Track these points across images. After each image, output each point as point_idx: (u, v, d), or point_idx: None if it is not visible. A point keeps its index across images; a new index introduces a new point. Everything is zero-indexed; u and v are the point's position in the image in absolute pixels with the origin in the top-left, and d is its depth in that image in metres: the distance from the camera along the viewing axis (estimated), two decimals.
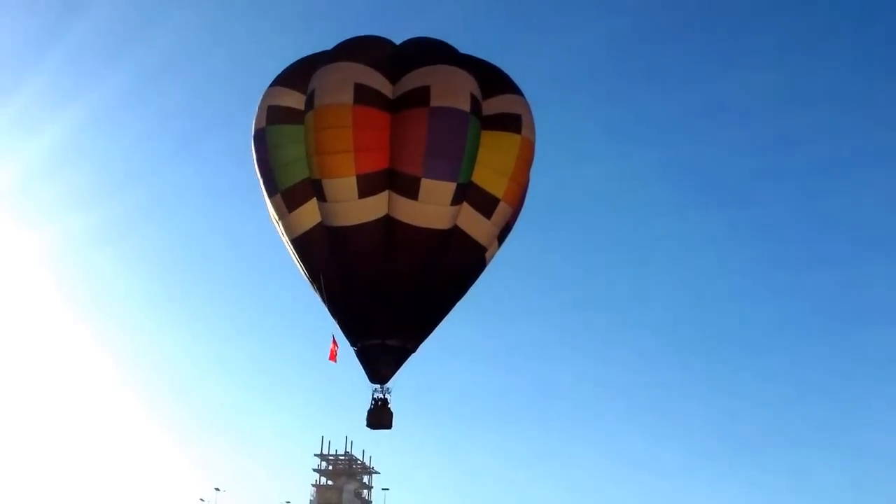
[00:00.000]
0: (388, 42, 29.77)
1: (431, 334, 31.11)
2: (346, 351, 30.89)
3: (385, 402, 30.37)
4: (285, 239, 30.32)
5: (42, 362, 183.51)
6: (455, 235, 28.92)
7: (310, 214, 29.10)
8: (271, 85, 29.74)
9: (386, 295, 29.44)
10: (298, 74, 29.13)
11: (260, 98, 29.95)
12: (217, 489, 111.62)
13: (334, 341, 30.80)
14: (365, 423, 30.61)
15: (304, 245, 29.86)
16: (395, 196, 28.17)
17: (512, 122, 29.03)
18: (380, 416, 30.32)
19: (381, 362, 30.22)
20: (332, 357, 30.96)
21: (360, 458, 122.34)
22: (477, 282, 31.31)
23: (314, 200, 28.81)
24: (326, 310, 30.77)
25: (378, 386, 30.47)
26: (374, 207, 28.31)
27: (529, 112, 29.64)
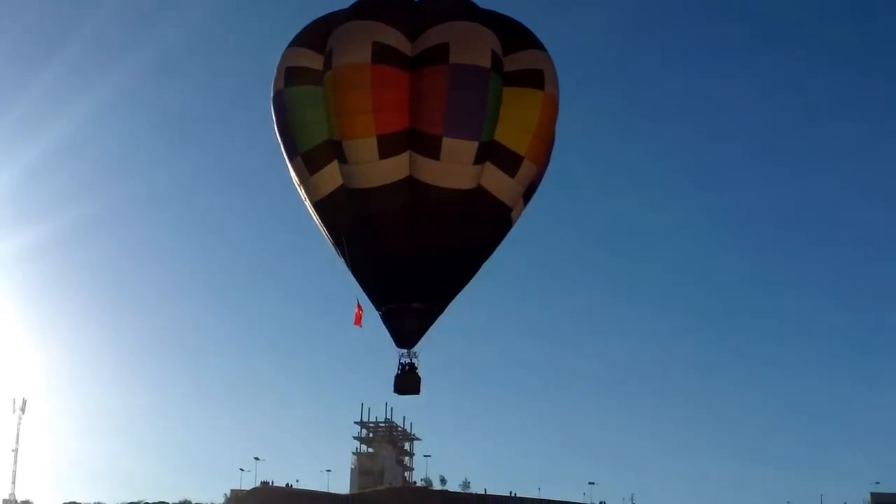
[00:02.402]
0: None
1: (458, 296, 30.86)
2: (374, 315, 30.70)
3: (413, 366, 30.10)
4: (307, 203, 30.16)
5: (92, 336, 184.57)
6: (479, 195, 28.62)
7: (331, 177, 28.90)
8: (289, 46, 29.45)
9: (409, 257, 29.24)
10: (316, 34, 28.82)
11: (278, 59, 29.61)
12: (257, 458, 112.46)
13: (359, 305, 30.71)
14: (393, 388, 30.47)
15: (327, 208, 29.72)
16: (417, 156, 27.92)
17: (535, 78, 28.59)
18: (407, 382, 30.15)
19: (406, 326, 30.00)
20: (357, 321, 30.86)
21: (400, 424, 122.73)
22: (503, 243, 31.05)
23: (335, 163, 28.58)
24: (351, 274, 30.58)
25: (405, 351, 30.15)
26: (396, 168, 28.07)
27: (553, 67, 29.19)
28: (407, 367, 30.08)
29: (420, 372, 30.21)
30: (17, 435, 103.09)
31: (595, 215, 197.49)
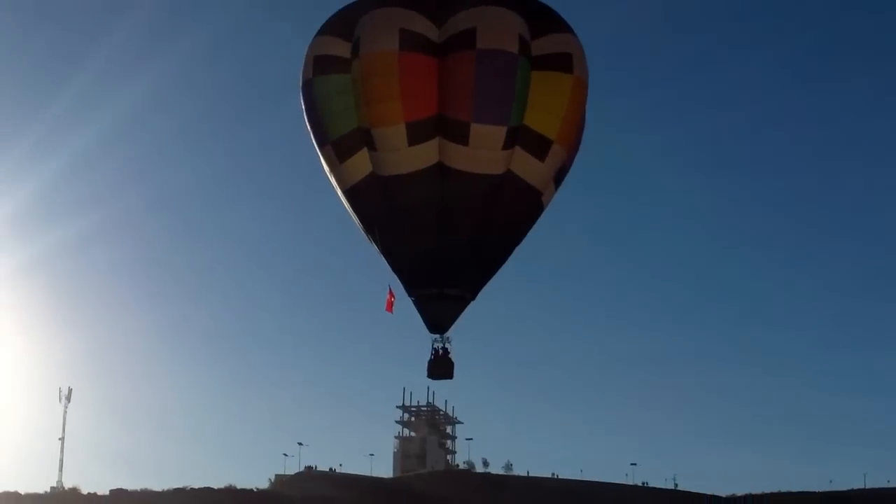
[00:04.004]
0: None
1: (490, 282, 30.85)
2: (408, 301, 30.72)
3: (446, 352, 30.09)
4: (338, 190, 30.19)
5: (136, 327, 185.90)
6: (509, 180, 28.50)
7: (361, 164, 28.92)
8: (317, 34, 29.44)
9: (441, 243, 29.24)
10: (344, 22, 28.77)
11: (307, 48, 29.65)
12: (300, 444, 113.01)
13: (391, 292, 30.75)
14: (426, 373, 30.51)
15: (357, 196, 29.76)
16: (446, 142, 27.86)
17: (563, 62, 28.40)
18: (440, 367, 30.17)
19: (438, 312, 29.98)
20: (389, 308, 30.92)
21: (442, 408, 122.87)
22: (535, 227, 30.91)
23: (364, 150, 28.60)
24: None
25: (438, 336, 30.12)
26: (425, 155, 28.05)
27: (581, 50, 29.00)
28: (440, 353, 30.06)
29: (453, 357, 30.18)
30: (64, 424, 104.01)
31: (630, 196, 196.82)
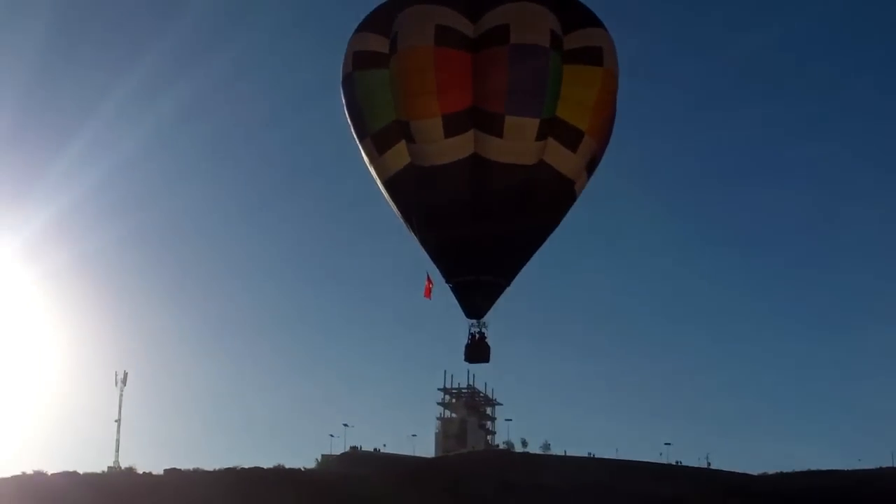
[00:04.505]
0: None
1: (525, 268, 30.92)
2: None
3: (482, 336, 30.18)
4: (378, 181, 30.32)
5: (187, 312, 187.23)
6: (542, 170, 28.61)
7: (399, 156, 29.10)
8: (356, 31, 29.70)
9: (476, 232, 29.30)
10: (382, 18, 29.01)
11: (347, 44, 29.89)
12: (346, 425, 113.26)
13: (428, 279, 30.86)
14: (463, 357, 30.61)
15: (396, 186, 29.95)
16: (481, 134, 28.01)
17: (593, 55, 28.56)
18: (477, 351, 30.30)
19: (475, 298, 30.10)
20: (427, 294, 31.01)
21: (482, 390, 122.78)
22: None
23: (403, 142, 28.80)
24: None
25: (475, 321, 30.22)
26: (461, 146, 28.20)
27: (611, 44, 29.15)
28: (477, 337, 30.15)
29: (489, 341, 30.28)
30: (120, 406, 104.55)
31: (660, 182, 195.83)
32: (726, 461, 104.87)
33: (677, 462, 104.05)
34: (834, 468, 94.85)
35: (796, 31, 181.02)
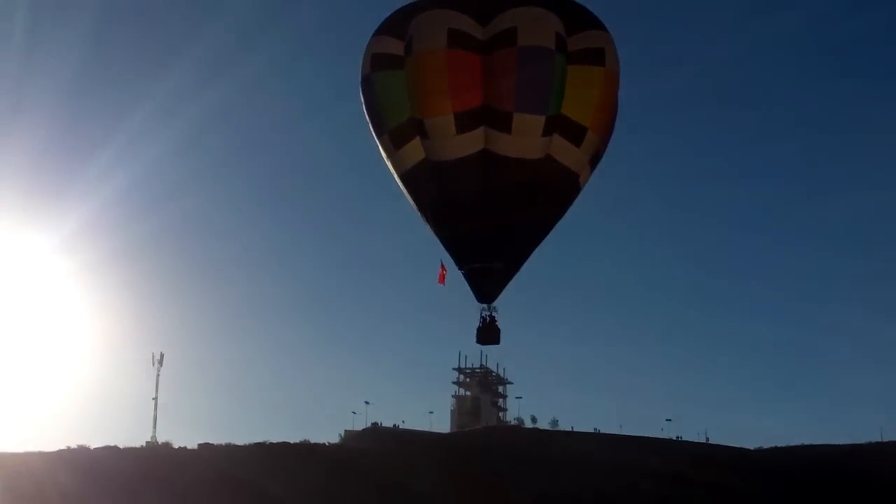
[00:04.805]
0: None
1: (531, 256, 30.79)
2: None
3: (493, 319, 30.09)
4: (395, 175, 30.27)
5: (218, 296, 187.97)
6: (548, 164, 28.50)
7: (414, 151, 29.05)
8: (374, 34, 29.61)
9: (487, 222, 29.21)
10: (398, 23, 28.91)
11: (365, 46, 29.80)
12: (367, 402, 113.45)
13: (442, 266, 30.80)
14: (475, 339, 30.54)
15: (412, 179, 29.88)
16: (491, 131, 27.91)
17: (596, 56, 28.47)
18: (487, 334, 30.23)
19: (485, 284, 30.04)
20: (441, 280, 30.95)
21: (494, 370, 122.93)
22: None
23: (417, 138, 28.74)
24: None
25: (485, 305, 30.12)
26: (472, 142, 28.11)
27: (612, 45, 29.03)
28: (487, 320, 30.06)
29: (499, 324, 30.19)
30: (157, 385, 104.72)
31: (659, 172, 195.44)
32: (724, 436, 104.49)
33: (677, 437, 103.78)
34: (825, 442, 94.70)
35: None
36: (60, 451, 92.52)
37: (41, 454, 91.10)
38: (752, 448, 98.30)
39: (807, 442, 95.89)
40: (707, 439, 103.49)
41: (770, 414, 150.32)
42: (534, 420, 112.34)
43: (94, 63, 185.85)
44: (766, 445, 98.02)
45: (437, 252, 30.80)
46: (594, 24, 28.95)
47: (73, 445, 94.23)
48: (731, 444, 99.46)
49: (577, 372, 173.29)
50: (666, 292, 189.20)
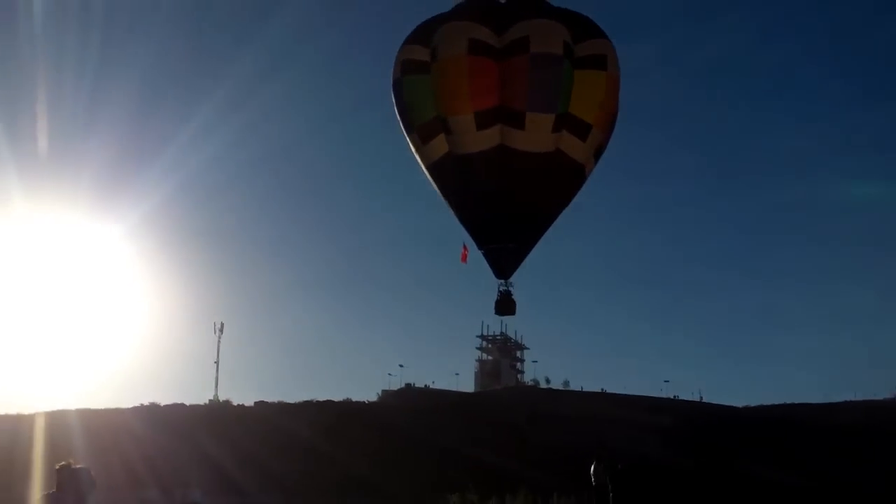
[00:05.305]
0: (495, 1, 29.35)
1: (543, 236, 30.78)
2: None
3: (509, 293, 30.12)
4: (423, 167, 30.36)
5: (271, 270, 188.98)
6: (557, 157, 28.50)
7: (439, 146, 29.06)
8: (403, 43, 29.66)
9: (503, 207, 29.31)
10: (424, 33, 29.03)
11: (396, 53, 29.91)
12: (400, 365, 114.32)
13: (465, 247, 30.88)
14: (494, 311, 30.64)
15: (437, 170, 29.87)
16: (506, 128, 27.93)
17: (599, 62, 28.45)
18: (504, 306, 30.20)
19: (502, 262, 30.03)
20: (463, 259, 31.08)
21: (513, 337, 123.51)
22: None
23: (442, 134, 28.79)
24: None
25: (503, 281, 30.12)
26: (490, 138, 28.12)
27: (614, 51, 29.04)
28: (504, 294, 30.12)
29: (515, 297, 30.26)
30: (218, 351, 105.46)
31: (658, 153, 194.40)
32: (715, 396, 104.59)
33: (674, 396, 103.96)
34: (806, 401, 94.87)
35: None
36: (135, 408, 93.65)
37: (118, 410, 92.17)
38: (740, 406, 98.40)
39: (789, 401, 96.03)
40: (701, 398, 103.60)
41: (758, 375, 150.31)
42: (548, 381, 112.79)
43: (164, 62, 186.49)
44: (753, 404, 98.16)
45: (461, 234, 30.92)
46: (598, 33, 28.96)
47: (146, 402, 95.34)
48: (723, 403, 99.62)
49: (586, 338, 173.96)
50: (666, 266, 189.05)
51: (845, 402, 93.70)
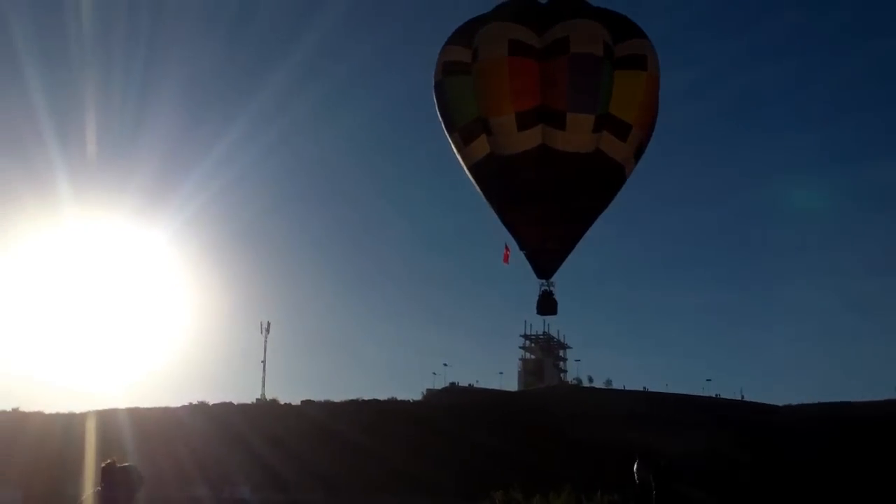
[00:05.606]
0: (536, 2, 29.08)
1: (584, 236, 30.59)
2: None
3: (550, 293, 29.97)
4: (465, 168, 30.23)
5: (318, 272, 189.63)
6: (597, 157, 28.23)
7: (481, 146, 28.87)
8: (445, 45, 29.52)
9: (544, 208, 29.11)
10: (465, 34, 28.85)
11: (437, 55, 29.74)
12: (445, 364, 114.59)
13: (507, 248, 30.74)
14: (536, 311, 30.51)
15: (479, 171, 29.69)
16: (547, 128, 27.72)
17: (639, 62, 28.14)
18: (546, 305, 30.02)
19: (543, 262, 29.85)
20: (505, 260, 30.94)
21: (555, 336, 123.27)
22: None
23: (483, 135, 28.60)
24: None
25: (544, 281, 29.92)
26: (531, 138, 27.92)
27: (653, 51, 28.72)
28: (546, 293, 29.97)
29: (557, 297, 30.11)
30: (265, 350, 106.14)
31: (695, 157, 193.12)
32: (757, 394, 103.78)
33: (716, 395, 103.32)
34: (847, 400, 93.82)
35: None
36: (184, 406, 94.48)
37: (168, 409, 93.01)
38: (780, 405, 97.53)
39: (827, 400, 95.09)
40: (742, 397, 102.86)
41: (797, 375, 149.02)
42: (590, 380, 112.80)
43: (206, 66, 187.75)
44: (793, 402, 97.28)
45: (503, 235, 30.82)
46: (637, 33, 28.66)
47: (195, 401, 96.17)
48: (765, 402, 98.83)
49: (628, 337, 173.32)
50: (710, 263, 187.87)
51: (887, 401, 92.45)
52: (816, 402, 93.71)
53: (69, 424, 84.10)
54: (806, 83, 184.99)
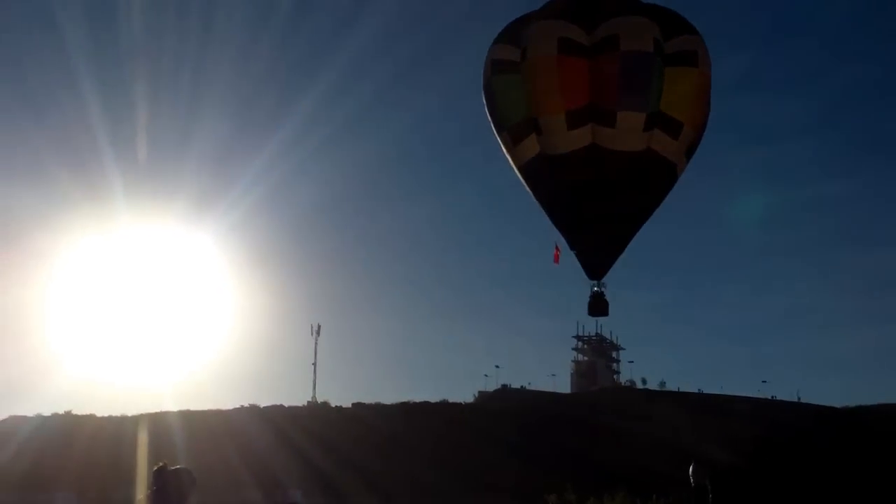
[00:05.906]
0: None
1: (635, 237, 30.21)
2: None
3: (602, 294, 29.67)
4: (514, 167, 30.01)
5: (366, 275, 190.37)
6: (648, 156, 27.85)
7: (531, 146, 28.59)
8: (493, 43, 29.30)
9: (596, 208, 28.78)
10: (514, 32, 28.63)
11: (486, 54, 29.55)
12: (497, 366, 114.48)
13: (557, 248, 30.50)
14: (587, 312, 30.26)
15: (529, 171, 29.41)
16: (597, 127, 27.39)
17: (689, 58, 27.70)
18: (597, 307, 29.70)
19: (594, 263, 29.49)
20: (556, 260, 30.72)
21: (608, 337, 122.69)
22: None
23: (533, 135, 28.31)
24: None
25: (596, 282, 29.60)
26: (581, 137, 27.60)
27: (704, 47, 28.27)
28: (597, 294, 29.70)
29: (608, 298, 29.81)
30: (315, 352, 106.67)
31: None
32: (814, 396, 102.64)
33: (773, 397, 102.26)
34: None
35: None
36: (236, 409, 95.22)
37: (219, 411, 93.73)
38: (838, 406, 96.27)
39: (884, 401, 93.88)
40: (799, 399, 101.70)
41: (856, 376, 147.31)
42: (644, 381, 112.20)
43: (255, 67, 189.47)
44: (851, 404, 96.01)
45: (553, 235, 30.58)
46: (688, 29, 28.25)
47: (246, 404, 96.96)
48: (822, 404, 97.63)
49: (683, 338, 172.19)
50: (768, 264, 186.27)
51: None
52: (877, 403, 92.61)
53: (121, 427, 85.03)
54: None
